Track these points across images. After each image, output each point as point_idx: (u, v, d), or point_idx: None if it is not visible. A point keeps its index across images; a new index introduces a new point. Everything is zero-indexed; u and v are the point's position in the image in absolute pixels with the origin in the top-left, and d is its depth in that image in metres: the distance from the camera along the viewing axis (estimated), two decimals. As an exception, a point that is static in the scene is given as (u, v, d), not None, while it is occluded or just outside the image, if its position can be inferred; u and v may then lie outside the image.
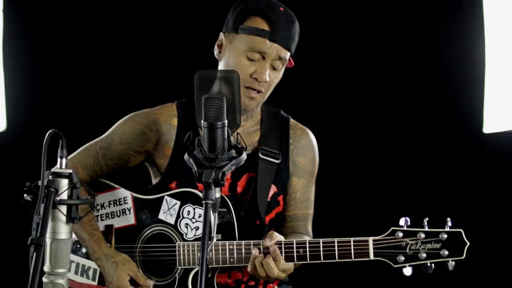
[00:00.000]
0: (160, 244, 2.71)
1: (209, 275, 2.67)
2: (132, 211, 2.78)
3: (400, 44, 4.08)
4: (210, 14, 3.08)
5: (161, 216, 2.73)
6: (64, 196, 2.23)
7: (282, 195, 2.87)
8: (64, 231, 2.22)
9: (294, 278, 2.96)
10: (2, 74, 4.19)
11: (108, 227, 2.80)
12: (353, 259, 2.48)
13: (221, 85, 2.23)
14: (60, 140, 2.28)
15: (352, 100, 4.10)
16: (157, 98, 2.96)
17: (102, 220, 2.82)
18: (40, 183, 2.17)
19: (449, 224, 2.41)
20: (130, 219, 2.78)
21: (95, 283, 2.79)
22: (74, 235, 2.80)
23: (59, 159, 2.28)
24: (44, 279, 2.19)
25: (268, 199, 2.81)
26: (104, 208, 2.81)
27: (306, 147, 2.93)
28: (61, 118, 4.22)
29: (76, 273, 2.82)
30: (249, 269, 2.57)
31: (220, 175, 2.11)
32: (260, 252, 2.55)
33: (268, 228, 2.80)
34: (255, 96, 2.75)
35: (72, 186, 2.24)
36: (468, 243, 2.38)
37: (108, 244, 2.75)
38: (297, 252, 2.53)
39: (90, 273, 2.80)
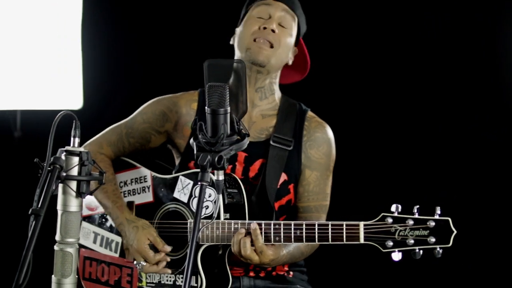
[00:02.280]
0: (174, 220, 2.87)
1: (220, 252, 2.81)
2: (150, 189, 2.96)
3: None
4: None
5: (176, 194, 2.89)
6: (74, 172, 2.44)
7: (292, 183, 2.97)
8: (74, 204, 2.40)
9: (309, 262, 3.08)
10: (80, 54, 4.45)
11: (130, 204, 3.00)
12: (344, 242, 2.57)
13: (231, 73, 2.35)
14: (74, 121, 2.46)
15: (349, 93, 4.25)
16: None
17: (124, 196, 3.01)
18: (51, 159, 2.38)
19: (438, 212, 2.46)
20: (148, 197, 2.96)
21: (117, 255, 2.98)
22: (101, 210, 3.03)
23: (72, 139, 2.47)
24: (55, 247, 2.39)
25: (278, 186, 2.92)
26: (127, 186, 3.01)
27: (320, 140, 3.01)
28: (136, 97, 4.45)
29: (101, 245, 3.03)
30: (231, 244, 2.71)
31: (216, 159, 2.25)
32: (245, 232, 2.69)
33: (277, 214, 2.92)
34: (265, 47, 2.90)
35: (81, 163, 2.44)
36: (455, 232, 2.43)
37: None
38: (294, 232, 2.64)
39: (113, 245, 3.00)
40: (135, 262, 2.83)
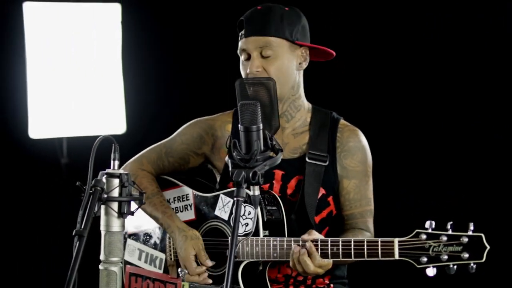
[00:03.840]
0: (215, 238, 2.94)
1: (261, 268, 2.86)
2: (192, 207, 3.04)
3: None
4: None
5: (217, 212, 2.97)
6: (115, 194, 2.52)
7: (331, 196, 3.00)
8: (116, 224, 2.50)
9: (351, 273, 3.11)
10: (122, 80, 4.58)
11: (173, 221, 3.07)
12: (380, 258, 2.59)
13: (260, 91, 2.48)
14: (113, 145, 2.56)
15: (380, 102, 4.29)
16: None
17: None
18: (93, 182, 2.46)
19: (471, 228, 2.46)
20: (190, 215, 3.04)
21: (161, 271, 3.08)
22: (145, 228, 3.13)
23: (112, 161, 2.57)
24: (100, 267, 2.49)
25: (317, 201, 2.96)
26: (170, 204, 3.08)
27: (353, 149, 3.01)
28: (178, 121, 4.58)
29: (145, 261, 3.13)
30: (291, 264, 2.75)
31: (251, 175, 2.34)
32: (299, 248, 2.71)
33: (318, 227, 2.94)
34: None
35: (121, 185, 2.53)
36: (488, 247, 2.43)
37: None
38: (331, 249, 2.67)
39: (157, 262, 3.09)
40: (179, 270, 2.89)
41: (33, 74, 4.46)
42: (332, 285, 3.04)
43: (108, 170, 2.54)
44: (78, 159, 4.50)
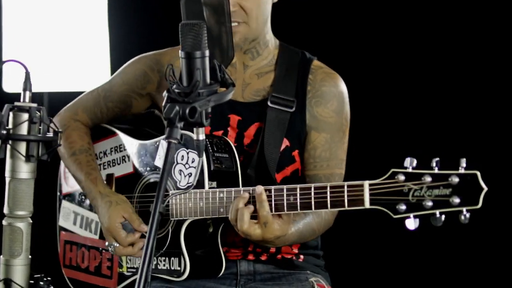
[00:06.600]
0: (155, 193, 2.45)
1: (211, 230, 2.38)
2: (130, 158, 2.58)
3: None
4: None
5: (157, 162, 2.49)
6: (23, 131, 2.07)
7: (297, 150, 2.52)
8: (24, 170, 2.08)
9: (326, 245, 2.65)
10: (107, 34, 4.20)
11: (109, 177, 2.62)
12: (346, 207, 2.08)
13: (211, 13, 2.08)
14: (25, 72, 2.12)
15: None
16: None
17: (104, 169, 2.64)
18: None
19: (464, 165, 1.91)
20: (128, 167, 2.58)
21: (97, 236, 2.63)
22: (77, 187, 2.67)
23: (22, 92, 2.13)
24: (4, 222, 2.08)
25: (279, 154, 2.48)
26: (106, 156, 2.65)
27: (328, 95, 2.53)
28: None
29: (81, 226, 2.69)
30: (230, 216, 2.27)
31: (188, 110, 1.85)
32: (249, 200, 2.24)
33: None
34: (236, 29, 2.43)
35: (29, 121, 2.08)
36: (486, 189, 1.88)
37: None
38: (287, 199, 2.18)
39: (93, 226, 2.64)
40: (106, 244, 2.46)
41: (9, 23, 4.06)
42: (302, 256, 2.56)
43: (16, 103, 2.09)
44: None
